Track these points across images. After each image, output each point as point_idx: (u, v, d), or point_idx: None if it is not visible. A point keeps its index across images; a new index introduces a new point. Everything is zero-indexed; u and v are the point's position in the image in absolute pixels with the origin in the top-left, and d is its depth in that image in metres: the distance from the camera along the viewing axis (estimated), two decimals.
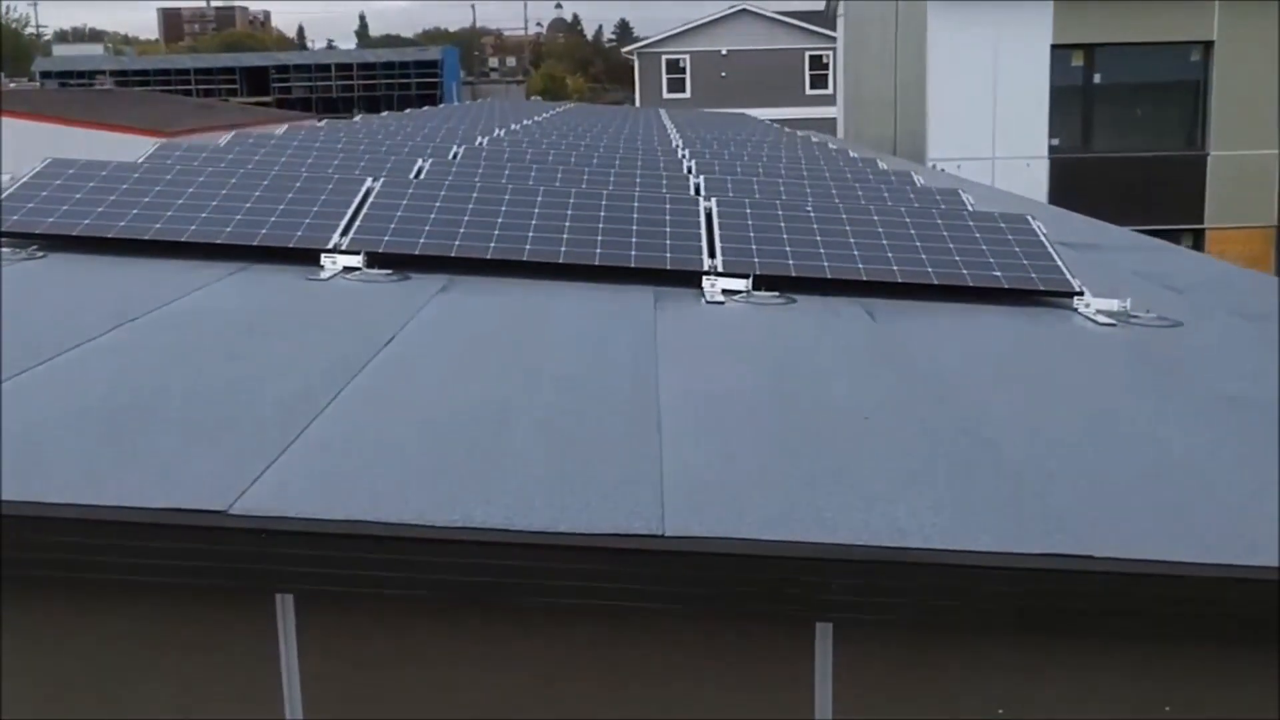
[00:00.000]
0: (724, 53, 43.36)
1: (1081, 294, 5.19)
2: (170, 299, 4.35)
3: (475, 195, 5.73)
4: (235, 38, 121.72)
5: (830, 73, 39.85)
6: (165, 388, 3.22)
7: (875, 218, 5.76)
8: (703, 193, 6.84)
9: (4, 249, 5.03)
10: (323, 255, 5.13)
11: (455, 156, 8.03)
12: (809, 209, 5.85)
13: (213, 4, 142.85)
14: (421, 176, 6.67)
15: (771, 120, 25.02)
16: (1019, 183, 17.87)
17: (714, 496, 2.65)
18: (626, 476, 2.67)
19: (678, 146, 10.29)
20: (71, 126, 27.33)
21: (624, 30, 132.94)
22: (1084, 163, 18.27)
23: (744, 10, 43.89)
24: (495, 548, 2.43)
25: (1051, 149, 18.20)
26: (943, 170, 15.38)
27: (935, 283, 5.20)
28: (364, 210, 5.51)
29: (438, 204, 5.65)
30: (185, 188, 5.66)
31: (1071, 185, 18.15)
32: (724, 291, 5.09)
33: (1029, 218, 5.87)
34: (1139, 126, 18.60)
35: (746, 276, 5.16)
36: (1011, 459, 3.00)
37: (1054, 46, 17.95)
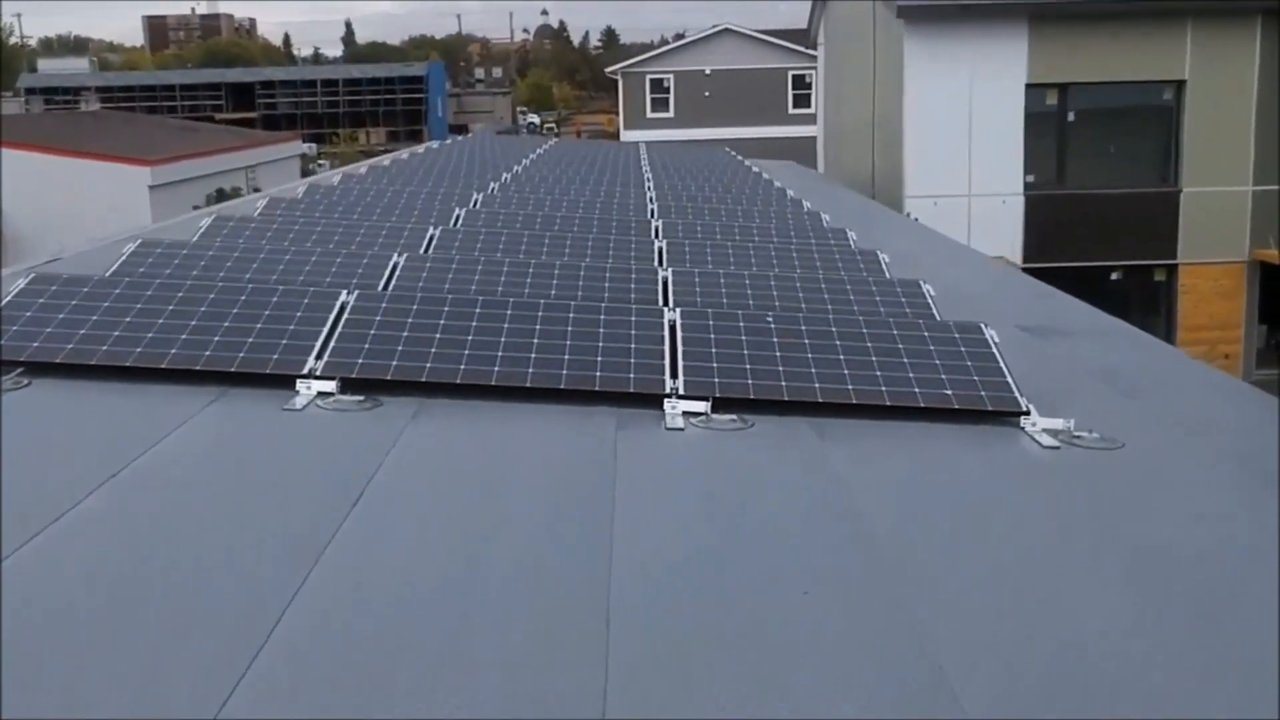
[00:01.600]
0: (708, 72, 43.68)
1: (1028, 413, 5.40)
2: (150, 442, 4.54)
3: (446, 310, 5.93)
4: (220, 46, 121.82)
5: (813, 92, 40.12)
6: (145, 572, 3.43)
7: (833, 329, 5.98)
8: (671, 294, 7.06)
9: None
10: (297, 381, 5.33)
11: (430, 243, 8.24)
12: (770, 318, 6.06)
13: (197, 12, 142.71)
14: (394, 283, 6.86)
15: (755, 139, 25.22)
16: (995, 220, 18.17)
17: (653, 711, 2.85)
18: (571, 699, 2.87)
19: (652, 215, 10.51)
20: (65, 157, 27.72)
21: (610, 37, 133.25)
22: (1059, 199, 18.56)
23: (727, 29, 44.23)
24: None
25: (1027, 186, 18.49)
26: (916, 219, 15.63)
27: (888, 404, 5.42)
28: (338, 329, 5.70)
29: (410, 319, 5.85)
30: (166, 304, 5.85)
31: (1047, 222, 18.46)
32: (684, 414, 5.29)
33: (982, 326, 6.08)
34: (1113, 163, 18.90)
35: (706, 399, 5.38)
36: (935, 648, 3.21)
37: (1029, 85, 18.25)
